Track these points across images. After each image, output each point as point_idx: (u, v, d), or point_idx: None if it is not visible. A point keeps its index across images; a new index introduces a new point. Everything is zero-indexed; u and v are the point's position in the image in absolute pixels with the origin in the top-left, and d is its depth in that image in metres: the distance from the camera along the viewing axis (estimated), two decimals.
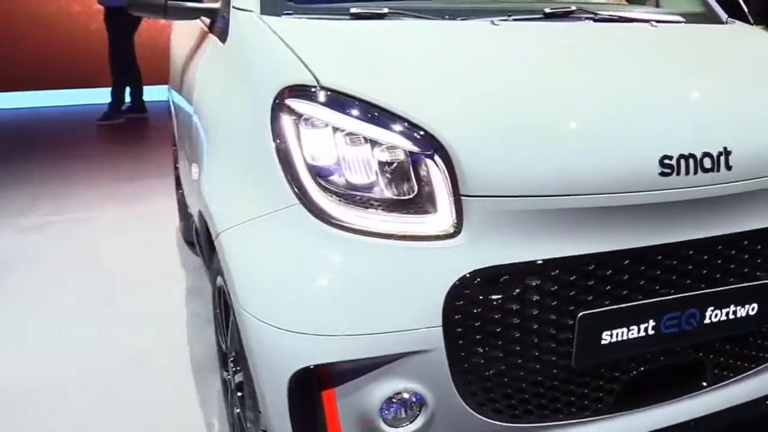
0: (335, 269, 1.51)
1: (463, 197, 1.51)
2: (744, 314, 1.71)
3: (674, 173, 1.57)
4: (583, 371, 1.62)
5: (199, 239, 2.49)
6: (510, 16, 2.03)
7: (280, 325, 1.50)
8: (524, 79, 1.75)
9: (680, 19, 2.31)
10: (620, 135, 1.60)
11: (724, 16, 2.44)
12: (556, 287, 1.54)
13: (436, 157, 1.51)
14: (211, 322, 2.24)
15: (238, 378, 1.87)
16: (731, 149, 1.61)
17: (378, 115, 1.56)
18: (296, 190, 1.57)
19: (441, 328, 1.48)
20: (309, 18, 1.93)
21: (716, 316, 1.68)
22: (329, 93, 1.60)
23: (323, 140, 1.58)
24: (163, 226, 4.29)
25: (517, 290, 1.52)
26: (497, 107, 1.63)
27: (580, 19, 2.11)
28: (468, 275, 1.49)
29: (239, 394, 1.86)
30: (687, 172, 1.57)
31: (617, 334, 1.60)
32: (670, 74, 1.86)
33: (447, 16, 2.00)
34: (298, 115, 1.60)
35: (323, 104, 1.59)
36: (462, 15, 2.02)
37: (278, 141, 1.61)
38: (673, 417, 1.75)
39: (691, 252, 1.62)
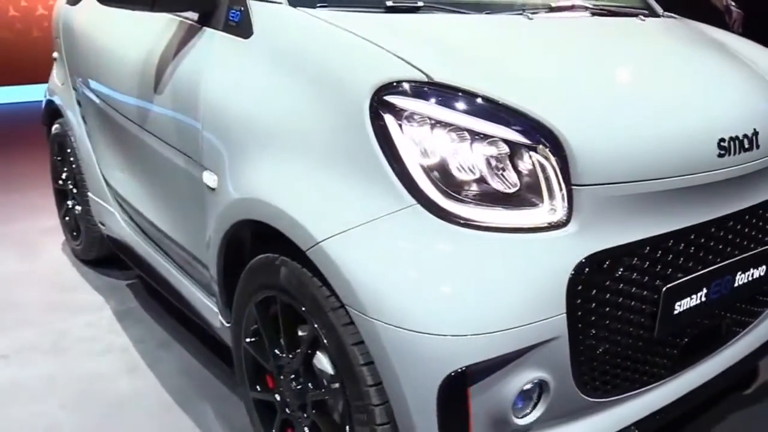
0: (469, 268, 1.50)
1: (573, 186, 1.59)
2: (759, 276, 1.99)
3: (727, 154, 1.79)
4: (659, 341, 1.78)
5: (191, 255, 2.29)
6: (537, 10, 2.16)
7: (423, 330, 1.46)
8: (605, 70, 1.89)
9: (647, 12, 2.58)
10: (691, 122, 1.79)
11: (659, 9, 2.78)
12: (648, 265, 1.68)
13: (549, 148, 1.57)
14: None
15: (314, 397, 1.83)
16: (758, 130, 1.87)
17: (487, 108, 1.58)
18: (411, 190, 1.54)
19: (565, 315, 1.55)
20: (346, 11, 1.87)
21: (742, 280, 1.94)
22: (434, 88, 1.59)
23: (432, 137, 1.55)
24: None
25: (621, 271, 1.64)
26: (597, 98, 1.74)
27: (582, 10, 2.30)
28: (583, 261, 1.57)
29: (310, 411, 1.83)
30: (734, 152, 1.80)
31: (684, 303, 1.78)
32: (699, 64, 2.11)
33: (480, 11, 2.05)
34: (402, 113, 1.57)
35: (428, 99, 1.57)
36: (493, 8, 2.09)
37: (383, 141, 1.56)
38: (712, 371, 1.98)
39: (731, 223, 1.86)
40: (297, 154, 1.72)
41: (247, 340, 2.07)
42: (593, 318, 1.61)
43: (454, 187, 1.54)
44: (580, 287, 1.57)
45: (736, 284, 1.93)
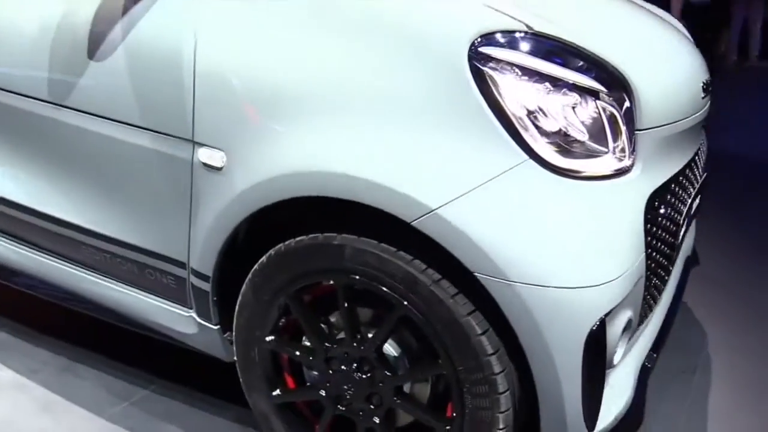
0: (588, 218, 1.51)
1: (637, 131, 1.67)
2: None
3: (705, 96, 2.03)
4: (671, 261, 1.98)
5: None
6: None
7: (567, 284, 1.45)
8: (630, 25, 1.99)
9: None
10: (690, 69, 1.99)
11: None
12: (672, 196, 1.86)
13: (624, 95, 1.63)
14: None
15: (397, 382, 1.70)
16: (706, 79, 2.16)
17: (580, 57, 1.57)
18: (521, 145, 1.48)
19: (644, 255, 1.64)
20: None
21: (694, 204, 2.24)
22: (531, 37, 1.54)
23: (532, 88, 1.50)
24: None
25: (665, 203, 1.78)
26: (641, 48, 1.85)
27: None
28: (648, 199, 1.68)
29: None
30: (707, 95, 2.05)
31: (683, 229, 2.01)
32: (663, 21, 2.27)
33: None
34: (503, 64, 1.49)
35: (528, 50, 1.52)
36: None
37: (486, 95, 1.47)
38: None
39: (696, 159, 2.12)
40: (381, 119, 1.53)
41: (269, 338, 1.82)
42: (653, 253, 1.73)
43: (557, 139, 1.53)
44: (648, 225, 1.67)
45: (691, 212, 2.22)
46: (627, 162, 1.64)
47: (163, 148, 1.82)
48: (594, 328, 1.48)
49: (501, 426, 1.59)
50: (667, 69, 1.90)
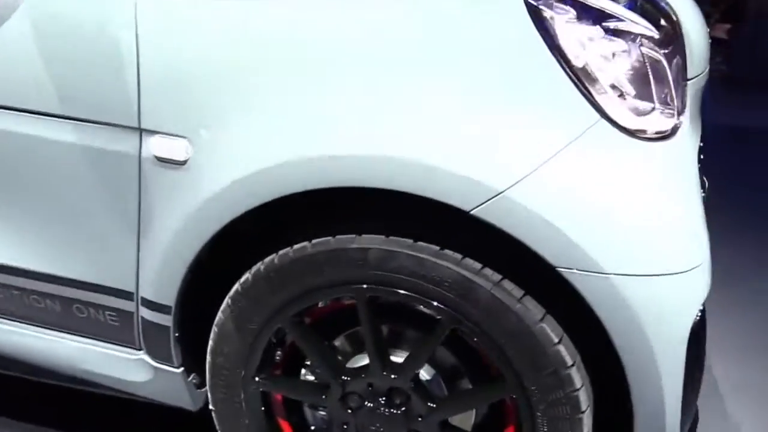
0: (672, 188, 1.24)
1: (686, 81, 1.42)
2: None
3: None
4: None
5: None
6: None
7: (667, 270, 1.18)
8: None
9: None
10: (699, 24, 1.72)
11: None
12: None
13: (679, 40, 1.38)
14: None
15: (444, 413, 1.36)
16: None
17: (635, 5, 1.28)
18: (593, 104, 1.17)
19: None
20: None
21: None
22: None
23: (592, 32, 1.20)
24: None
25: None
26: None
27: None
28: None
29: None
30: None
31: None
32: None
33: None
34: (556, 2, 1.17)
35: None
36: None
37: (550, 42, 1.14)
38: None
39: None
40: (420, 82, 1.17)
41: (258, 377, 1.41)
42: None
43: (628, 95, 1.24)
44: None
45: None
46: (681, 118, 1.39)
47: (93, 141, 1.34)
48: (697, 317, 1.22)
49: None
50: (692, 14, 1.68)
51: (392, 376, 1.33)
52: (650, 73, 1.29)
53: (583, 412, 1.25)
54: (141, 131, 1.30)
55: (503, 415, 1.36)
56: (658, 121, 1.27)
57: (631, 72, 1.26)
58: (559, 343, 1.22)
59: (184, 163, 1.29)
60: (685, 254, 1.21)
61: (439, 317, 1.26)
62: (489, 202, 1.13)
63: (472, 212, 1.15)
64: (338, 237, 1.27)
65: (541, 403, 1.25)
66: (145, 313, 1.46)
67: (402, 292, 1.25)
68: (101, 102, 1.31)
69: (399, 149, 1.16)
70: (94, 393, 1.66)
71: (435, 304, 1.24)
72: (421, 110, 1.17)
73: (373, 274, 1.25)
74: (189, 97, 1.27)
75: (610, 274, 1.14)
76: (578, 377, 1.24)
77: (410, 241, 1.24)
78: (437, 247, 1.22)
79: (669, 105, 1.30)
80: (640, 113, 1.25)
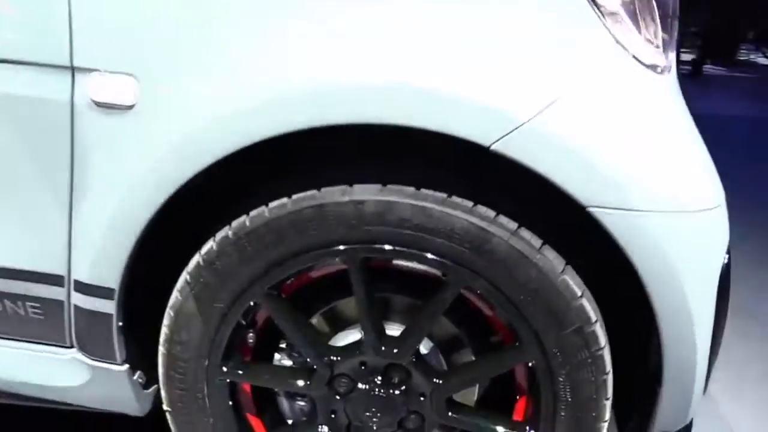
0: (687, 124, 1.14)
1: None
2: None
3: None
4: None
5: None
6: None
7: (702, 207, 1.08)
8: None
9: None
10: None
11: None
12: None
13: None
14: None
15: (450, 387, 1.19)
16: None
17: None
18: (612, 32, 1.05)
19: None
20: None
21: None
22: None
23: None
24: None
25: None
26: None
27: None
28: None
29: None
30: None
31: None
32: None
33: None
34: None
35: None
36: None
37: None
38: None
39: None
40: (429, 8, 1.00)
41: (226, 366, 1.19)
42: None
43: (639, 24, 1.12)
44: None
45: None
46: (672, 54, 1.31)
47: (8, 85, 1.08)
48: (726, 259, 1.13)
49: (607, 417, 1.17)
50: None
51: (391, 351, 1.16)
52: (655, 8, 1.19)
53: (607, 374, 1.13)
54: (73, 70, 1.05)
55: (513, 388, 1.22)
56: (662, 56, 1.17)
57: (637, 5, 1.16)
58: (582, 297, 1.09)
59: (130, 108, 1.06)
60: (712, 191, 1.11)
61: (446, 277, 1.10)
62: (512, 133, 0.98)
63: (491, 147, 0.99)
64: (325, 189, 1.08)
65: (564, 366, 1.11)
66: (79, 299, 1.20)
67: (404, 250, 1.08)
68: (18, 34, 1.06)
69: (407, 77, 0.99)
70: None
71: (443, 261, 1.07)
72: (433, 35, 1.01)
73: (368, 231, 1.07)
74: (136, 22, 1.04)
75: (645, 211, 1.02)
76: (603, 335, 1.11)
77: (412, 189, 1.07)
78: (444, 195, 1.06)
79: (667, 40, 1.21)
80: (652, 47, 1.15)
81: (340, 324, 1.26)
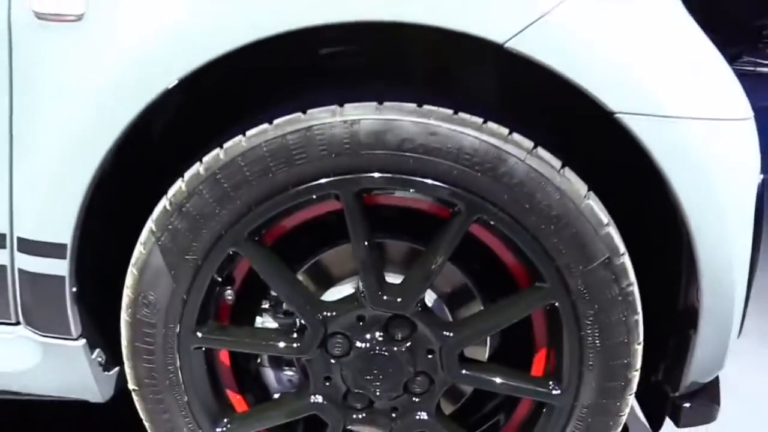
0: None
1: None
2: None
3: None
4: None
5: None
6: None
7: (739, 116, 0.97)
8: None
9: None
10: None
11: None
12: None
13: None
14: None
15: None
16: None
17: None
18: None
19: None
20: None
21: None
22: None
23: None
24: None
25: None
26: None
27: None
28: None
29: None
30: None
31: None
32: None
33: None
34: None
35: None
36: None
37: None
38: None
39: None
40: None
41: (201, 332, 1.02)
42: None
43: None
44: None
45: None
46: None
47: None
48: (761, 179, 1.01)
49: (638, 365, 1.03)
50: None
51: (394, 301, 1.00)
52: None
53: (639, 314, 1.00)
54: None
55: (529, 339, 1.08)
56: None
57: None
58: (609, 225, 0.96)
59: (79, 18, 0.90)
60: (743, 101, 1.00)
61: (455, 209, 0.96)
62: (529, 28, 0.86)
63: (506, 45, 0.86)
64: (312, 111, 0.94)
65: (591, 306, 0.97)
66: (25, 261, 1.02)
67: (406, 177, 0.94)
68: None
69: None
70: None
71: (451, 188, 0.93)
72: None
73: (364, 156, 0.93)
74: None
75: (679, 117, 0.90)
76: (632, 269, 0.99)
77: (413, 105, 0.93)
78: (450, 111, 0.93)
79: None
80: None
81: (326, 282, 1.11)
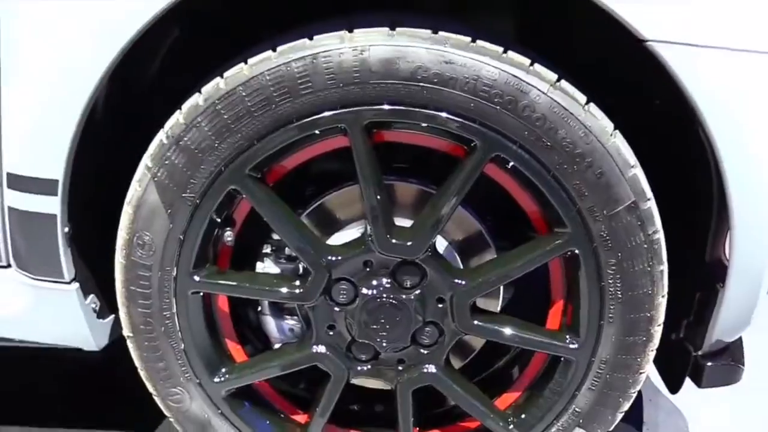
0: None
1: None
2: None
3: None
4: None
5: None
6: None
7: (760, 48, 0.88)
8: None
9: None
10: None
11: None
12: None
13: None
14: None
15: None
16: None
17: None
18: None
19: None
20: None
21: None
22: None
23: None
24: None
25: None
26: None
27: None
28: None
29: None
30: None
31: None
32: None
33: None
34: None
35: None
36: None
37: None
38: None
39: None
40: None
41: (199, 276, 0.97)
42: None
43: None
44: None
45: None
46: None
47: None
48: None
49: (662, 320, 0.97)
50: None
51: (404, 245, 0.95)
52: None
53: (664, 264, 0.94)
54: None
55: (544, 290, 1.03)
56: None
57: None
58: (636, 166, 0.90)
59: None
60: None
61: (470, 147, 0.90)
62: None
63: None
64: (319, 37, 0.87)
65: (615, 253, 0.91)
66: (15, 198, 0.97)
67: (418, 110, 0.87)
68: None
69: None
70: None
71: (467, 123, 0.87)
72: None
73: (375, 87, 0.86)
74: None
75: (712, 47, 0.83)
76: (658, 215, 0.93)
77: (427, 31, 0.86)
78: (467, 38, 0.86)
79: None
80: None
81: (332, 225, 1.05)
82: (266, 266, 1.05)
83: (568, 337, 0.98)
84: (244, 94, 0.88)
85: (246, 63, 0.88)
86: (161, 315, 1.01)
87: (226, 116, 0.89)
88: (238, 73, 0.88)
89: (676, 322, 1.06)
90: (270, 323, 1.08)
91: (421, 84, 0.86)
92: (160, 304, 1.00)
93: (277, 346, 1.08)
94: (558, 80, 0.86)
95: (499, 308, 1.05)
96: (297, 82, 0.87)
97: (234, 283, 1.01)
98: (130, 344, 1.05)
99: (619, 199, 0.89)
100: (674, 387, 1.12)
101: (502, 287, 1.03)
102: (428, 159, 0.98)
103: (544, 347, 1.00)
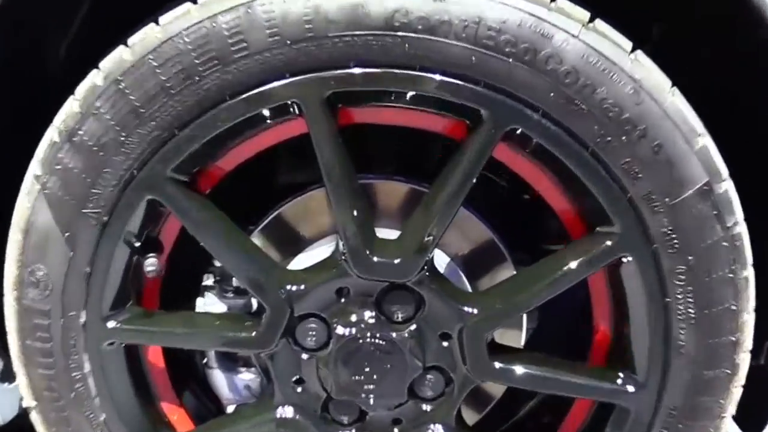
0: None
1: None
2: None
3: None
4: None
5: None
6: None
7: None
8: None
9: None
10: None
11: None
12: None
13: None
14: None
15: None
16: None
17: None
18: None
19: None
20: None
21: None
22: None
23: None
24: None
25: None
26: None
27: None
28: None
29: None
30: None
31: None
32: None
33: None
34: None
35: None
36: None
37: None
38: None
39: None
40: None
41: (113, 322, 0.71)
42: None
43: None
44: None
45: None
46: None
47: None
48: None
49: (750, 344, 0.72)
50: None
51: (390, 264, 0.69)
52: None
53: (749, 266, 0.69)
54: None
55: (583, 314, 0.77)
56: None
57: None
58: (704, 135, 0.65)
59: None
60: None
61: (474, 117, 0.66)
62: None
63: None
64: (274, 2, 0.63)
65: (683, 257, 0.66)
66: None
67: (399, 72, 0.63)
68: None
69: None
70: None
71: (468, 86, 0.63)
72: None
73: (336, 42, 0.62)
74: None
75: None
76: (738, 201, 0.68)
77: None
78: None
79: None
80: None
81: (292, 244, 0.80)
82: (208, 303, 0.79)
83: (621, 376, 0.72)
84: (155, 64, 0.64)
85: (157, 24, 0.65)
86: (69, 377, 0.75)
87: (133, 97, 0.65)
88: (147, 36, 0.64)
89: (757, 344, 0.81)
90: (218, 379, 0.81)
91: (401, 34, 0.61)
92: (66, 362, 0.74)
93: (230, 408, 0.82)
94: (591, 20, 0.62)
95: (523, 340, 0.80)
96: (227, 42, 0.63)
97: (165, 329, 0.75)
98: (33, 416, 0.79)
99: (687, 181, 0.64)
100: (756, 428, 0.86)
101: (525, 314, 0.78)
102: (418, 146, 0.74)
103: (588, 393, 0.74)
